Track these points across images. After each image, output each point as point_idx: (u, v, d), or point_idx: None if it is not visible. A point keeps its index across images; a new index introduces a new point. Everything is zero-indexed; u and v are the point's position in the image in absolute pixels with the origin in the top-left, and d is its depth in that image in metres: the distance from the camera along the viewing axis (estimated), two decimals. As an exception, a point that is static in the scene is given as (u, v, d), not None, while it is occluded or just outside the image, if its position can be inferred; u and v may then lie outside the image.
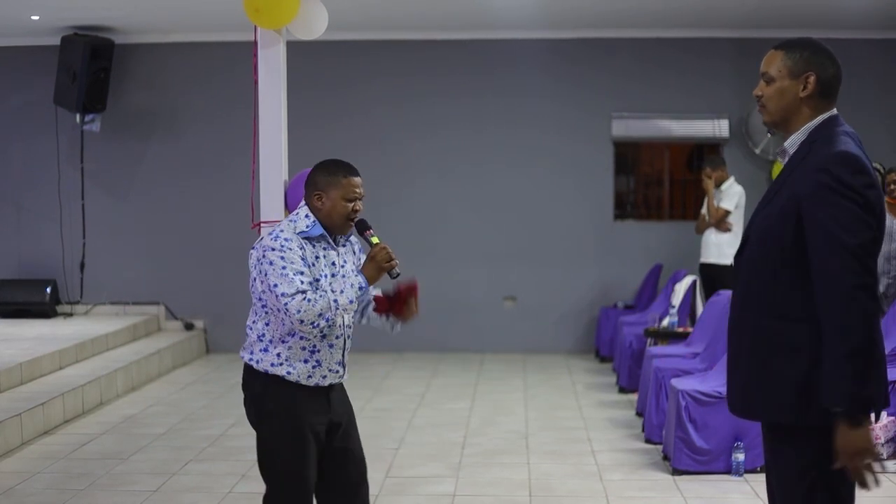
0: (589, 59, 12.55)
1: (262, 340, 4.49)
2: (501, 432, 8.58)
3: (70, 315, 12.58)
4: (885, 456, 7.11)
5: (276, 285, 4.31)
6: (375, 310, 4.71)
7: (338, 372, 4.59)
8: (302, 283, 4.34)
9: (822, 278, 3.41)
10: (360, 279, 4.44)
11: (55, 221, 12.62)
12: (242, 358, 4.56)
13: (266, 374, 4.46)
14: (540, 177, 12.61)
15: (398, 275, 4.56)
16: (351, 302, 4.40)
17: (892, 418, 7.12)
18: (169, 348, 11.59)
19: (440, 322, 12.22)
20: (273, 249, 4.36)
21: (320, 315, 4.31)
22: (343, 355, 4.62)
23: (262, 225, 5.48)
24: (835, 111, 3.70)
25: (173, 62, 12.73)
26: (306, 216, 4.50)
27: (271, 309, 4.42)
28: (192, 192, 12.72)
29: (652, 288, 12.13)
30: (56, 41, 12.01)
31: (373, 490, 6.67)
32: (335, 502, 4.68)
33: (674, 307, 10.15)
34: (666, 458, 7.45)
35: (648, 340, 9.95)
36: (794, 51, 3.70)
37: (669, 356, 8.76)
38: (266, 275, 4.36)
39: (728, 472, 7.05)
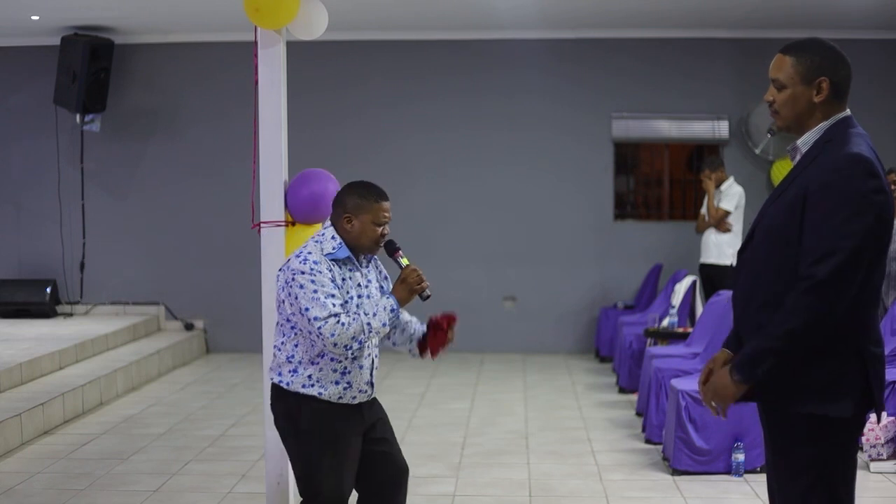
0: (589, 60, 12.55)
1: (290, 362, 4.47)
2: (501, 432, 8.58)
3: (70, 315, 12.58)
4: (884, 456, 7.12)
5: (307, 309, 4.30)
6: (420, 353, 4.76)
7: (367, 392, 4.60)
8: (334, 305, 4.33)
9: (805, 276, 3.44)
10: (392, 301, 4.46)
11: (55, 221, 12.62)
12: (271, 379, 4.54)
13: (297, 394, 4.46)
14: (540, 177, 12.60)
15: (429, 296, 4.57)
16: (384, 325, 4.43)
17: (892, 419, 7.12)
18: (169, 348, 11.59)
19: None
20: (302, 273, 4.35)
21: (353, 338, 4.33)
22: (371, 375, 4.62)
23: (262, 225, 5.48)
24: (848, 111, 3.69)
25: (173, 62, 12.72)
26: (333, 237, 4.49)
27: (301, 331, 4.42)
28: (192, 192, 12.72)
29: (652, 288, 12.13)
30: (56, 41, 12.01)
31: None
32: (371, 502, 4.69)
33: (674, 307, 10.15)
34: (666, 458, 7.44)
35: (648, 340, 9.95)
36: (805, 55, 3.66)
37: (669, 356, 8.75)
38: (297, 298, 4.34)
39: (728, 472, 7.05)
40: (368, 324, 4.36)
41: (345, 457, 4.51)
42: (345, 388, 4.49)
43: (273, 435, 5.36)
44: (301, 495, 4.54)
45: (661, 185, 12.92)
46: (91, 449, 8.01)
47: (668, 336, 9.81)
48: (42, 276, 12.65)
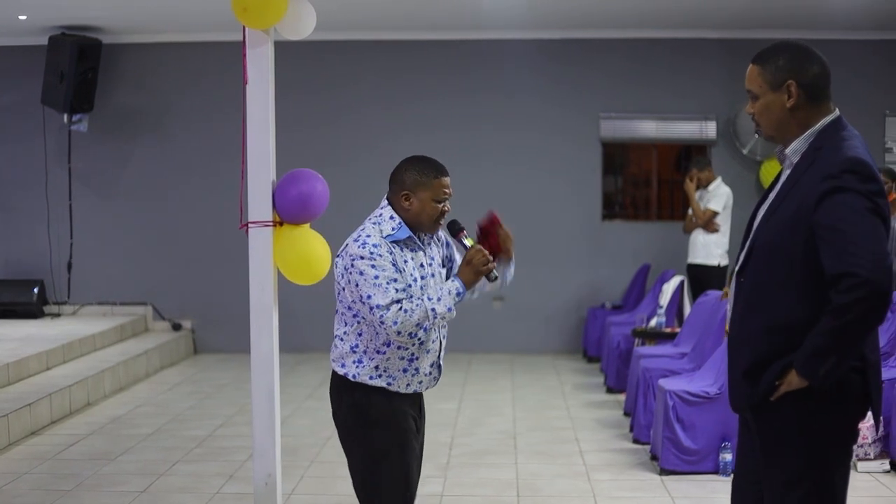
0: (577, 60, 12.57)
1: (355, 352, 4.30)
2: (489, 432, 8.58)
3: (57, 315, 12.54)
4: (872, 456, 7.14)
5: (369, 296, 4.14)
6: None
7: (435, 376, 4.45)
8: (396, 291, 4.15)
9: (839, 281, 3.33)
10: (458, 284, 4.26)
11: (42, 221, 12.58)
12: (334, 368, 4.38)
13: (366, 385, 4.29)
14: (528, 177, 12.61)
15: (496, 278, 4.38)
16: (449, 310, 4.23)
17: (880, 419, 7.14)
18: (156, 349, 11.57)
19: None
20: (362, 258, 4.18)
21: (418, 325, 4.17)
22: (439, 357, 4.45)
23: (250, 225, 5.47)
24: (837, 112, 3.61)
25: (161, 62, 12.71)
26: (391, 217, 4.32)
27: (364, 319, 4.26)
28: (180, 192, 12.70)
29: (640, 288, 12.15)
30: (44, 41, 11.97)
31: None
32: None
33: (661, 307, 10.17)
34: (654, 458, 7.46)
35: (636, 340, 9.96)
36: (769, 62, 3.60)
37: (657, 356, 8.77)
38: (357, 285, 4.17)
39: (716, 472, 7.06)
40: (433, 309, 4.18)
41: (411, 446, 4.36)
42: (413, 375, 4.32)
43: (261, 435, 5.36)
44: (361, 492, 4.36)
45: (649, 185, 12.95)
46: (78, 449, 7.99)
47: (656, 336, 9.84)
48: (29, 277, 12.62)
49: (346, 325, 4.33)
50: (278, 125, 5.64)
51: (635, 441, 8.13)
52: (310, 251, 5.37)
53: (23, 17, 11.44)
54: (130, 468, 7.47)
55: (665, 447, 7.10)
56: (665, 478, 7.09)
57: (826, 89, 3.61)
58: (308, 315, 12.05)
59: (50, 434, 8.47)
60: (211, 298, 12.60)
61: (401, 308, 4.13)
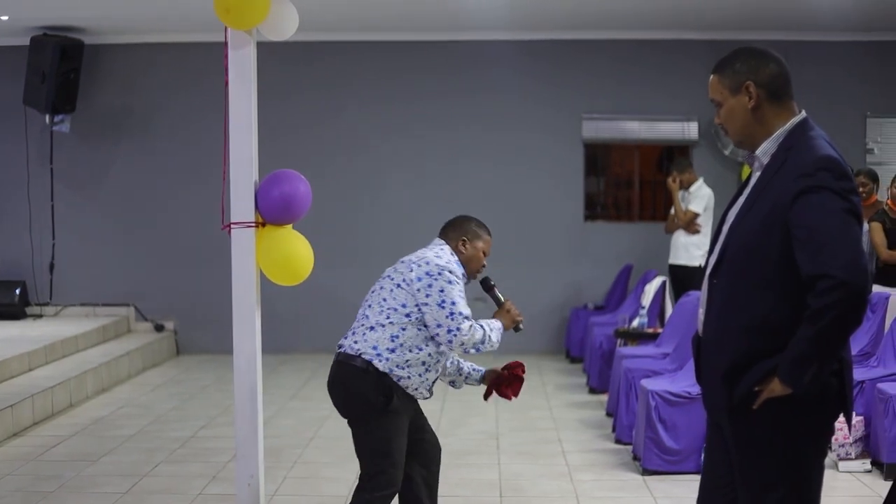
0: (560, 61, 12.59)
1: (393, 341, 4.89)
2: (472, 433, 8.60)
3: (39, 316, 12.51)
4: (853, 456, 7.17)
5: (454, 303, 4.87)
6: (486, 395, 5.51)
7: (431, 392, 5.10)
8: (469, 309, 4.91)
9: (815, 283, 3.33)
10: (500, 324, 5.10)
11: (25, 222, 12.54)
12: (360, 354, 4.89)
13: (389, 374, 4.87)
14: (511, 178, 12.63)
15: (522, 329, 5.24)
16: (497, 341, 5.02)
17: (860, 418, 7.18)
18: (139, 350, 11.55)
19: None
20: (451, 272, 4.93)
21: (475, 344, 4.92)
22: (436, 380, 5.13)
23: (232, 226, 5.46)
24: (803, 114, 3.62)
25: (143, 63, 12.68)
26: (451, 254, 5.10)
27: (416, 320, 4.90)
28: (162, 193, 12.68)
29: (622, 289, 12.18)
30: (25, 41, 11.94)
31: (343, 490, 6.70)
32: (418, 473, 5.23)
33: (644, 308, 10.19)
34: (636, 458, 7.48)
35: (619, 341, 9.98)
36: (726, 68, 3.68)
37: (639, 357, 8.79)
38: (442, 291, 4.87)
39: (698, 471, 7.04)
40: (489, 335, 4.96)
41: (406, 442, 5.04)
42: (421, 382, 4.97)
43: (244, 436, 5.35)
44: (367, 471, 4.94)
45: (631, 186, 12.97)
46: (61, 451, 7.98)
47: (639, 336, 9.86)
48: (11, 278, 12.57)
49: (389, 318, 4.91)
50: (261, 126, 5.64)
51: (618, 441, 8.15)
52: (292, 252, 5.36)
53: (4, 18, 11.40)
54: (113, 469, 7.46)
55: (647, 447, 7.12)
56: (647, 478, 7.12)
57: (786, 88, 3.64)
58: (291, 316, 12.05)
59: (32, 435, 8.45)
60: (194, 299, 12.58)
61: (472, 325, 4.90)
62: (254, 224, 5.43)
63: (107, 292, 12.74)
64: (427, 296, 4.87)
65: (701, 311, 3.76)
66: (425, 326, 4.91)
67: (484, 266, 5.24)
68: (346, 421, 5.07)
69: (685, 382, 7.26)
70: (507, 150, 12.63)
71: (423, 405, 5.23)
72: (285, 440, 8.27)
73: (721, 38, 12.07)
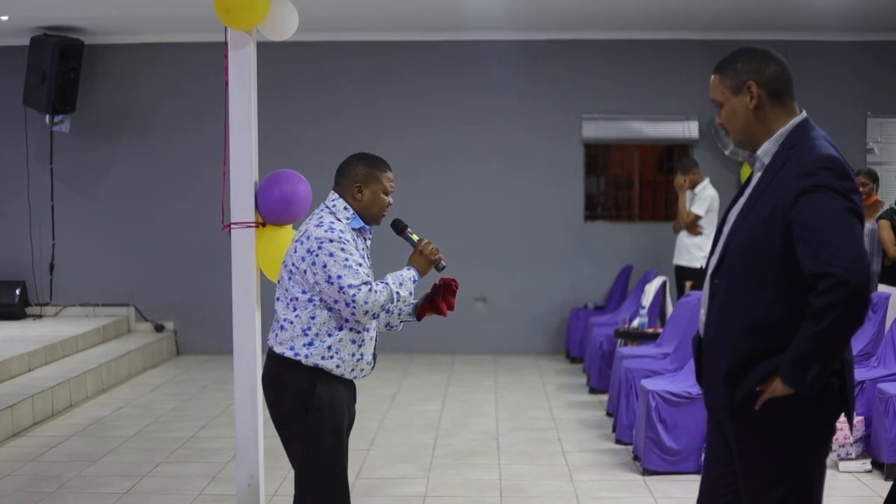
0: (559, 61, 12.58)
1: (306, 334, 4.46)
2: (472, 433, 8.59)
3: (39, 317, 12.50)
4: (853, 455, 7.17)
5: (340, 277, 4.34)
6: (416, 317, 4.85)
7: (372, 365, 4.69)
8: (366, 273, 4.43)
9: (817, 282, 3.32)
10: (414, 273, 4.64)
11: (24, 223, 12.53)
12: (279, 353, 4.50)
13: (314, 368, 4.45)
14: (511, 178, 12.62)
15: (444, 267, 4.76)
16: (409, 294, 4.57)
17: (861, 418, 7.18)
18: (139, 350, 11.54)
19: (410, 323, 12.21)
20: (331, 241, 4.39)
21: (383, 306, 4.42)
22: (374, 348, 4.69)
23: (232, 226, 5.47)
24: (804, 114, 3.62)
25: (143, 63, 12.67)
26: (345, 208, 4.59)
27: (320, 302, 4.44)
28: (163, 193, 12.67)
29: (622, 289, 12.18)
30: (25, 42, 11.93)
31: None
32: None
33: (644, 308, 10.18)
34: (636, 458, 7.48)
35: (619, 341, 9.98)
36: (727, 68, 3.67)
37: (639, 357, 8.79)
38: (325, 266, 4.36)
39: (698, 472, 7.06)
40: (397, 292, 4.47)
41: (346, 437, 4.63)
42: (358, 360, 4.54)
43: (244, 436, 5.36)
44: (302, 475, 4.58)
45: (631, 186, 12.96)
46: (61, 451, 7.97)
47: (639, 336, 9.85)
48: (11, 278, 12.57)
49: (294, 309, 4.48)
50: (261, 126, 5.65)
51: (618, 441, 8.15)
52: (292, 252, 5.36)
53: (4, 18, 11.40)
54: (113, 469, 7.46)
55: (647, 447, 7.12)
56: (647, 478, 7.11)
57: (788, 88, 3.64)
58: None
59: (32, 436, 8.44)
60: (193, 299, 12.57)
61: (370, 289, 4.37)
62: (254, 224, 5.44)
63: (107, 292, 12.73)
64: (315, 274, 4.37)
65: (702, 312, 3.76)
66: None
67: (390, 204, 4.73)
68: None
69: (685, 382, 7.26)
70: (507, 150, 12.62)
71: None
72: (285, 440, 8.26)
73: (721, 38, 12.08)
